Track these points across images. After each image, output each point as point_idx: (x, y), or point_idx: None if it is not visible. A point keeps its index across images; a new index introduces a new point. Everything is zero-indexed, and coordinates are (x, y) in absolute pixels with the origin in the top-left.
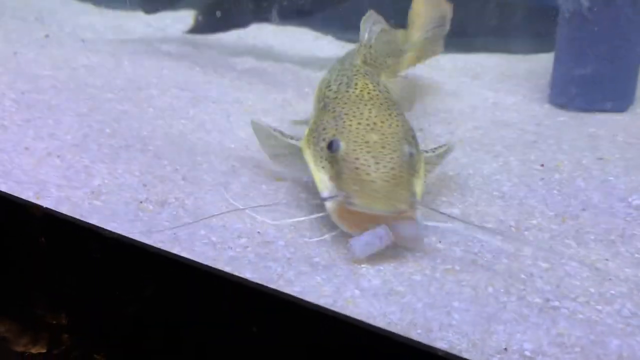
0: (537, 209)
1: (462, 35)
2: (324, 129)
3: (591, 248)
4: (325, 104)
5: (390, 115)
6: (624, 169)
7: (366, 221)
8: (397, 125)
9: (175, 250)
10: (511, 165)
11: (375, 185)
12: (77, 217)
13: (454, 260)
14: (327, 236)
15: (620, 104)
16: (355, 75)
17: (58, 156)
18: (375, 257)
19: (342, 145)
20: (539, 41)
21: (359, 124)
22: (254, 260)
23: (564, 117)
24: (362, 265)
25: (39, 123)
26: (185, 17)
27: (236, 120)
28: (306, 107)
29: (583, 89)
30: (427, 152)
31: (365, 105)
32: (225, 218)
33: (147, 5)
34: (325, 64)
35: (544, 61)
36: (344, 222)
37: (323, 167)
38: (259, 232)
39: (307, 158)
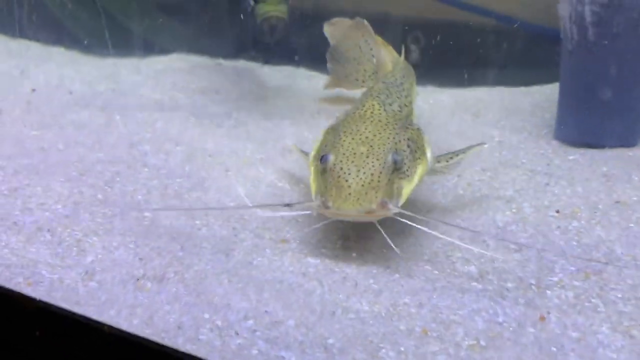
0: (557, 264)
1: (462, 68)
2: (325, 146)
3: (621, 310)
4: (334, 125)
5: (385, 129)
6: None
7: (347, 216)
8: (388, 137)
9: (179, 340)
10: (525, 213)
11: (350, 189)
12: (73, 305)
13: (477, 332)
14: None
15: (631, 138)
16: (367, 98)
17: (48, 230)
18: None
19: (331, 157)
20: (541, 72)
21: (353, 139)
22: (264, 349)
23: (574, 155)
24: (381, 345)
25: (27, 192)
26: (178, 61)
27: (235, 174)
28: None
29: (591, 123)
30: (438, 160)
31: (364, 122)
32: (230, 295)
33: None
34: (323, 108)
35: (547, 93)
36: (330, 215)
37: (317, 179)
38: (266, 311)
39: (310, 174)
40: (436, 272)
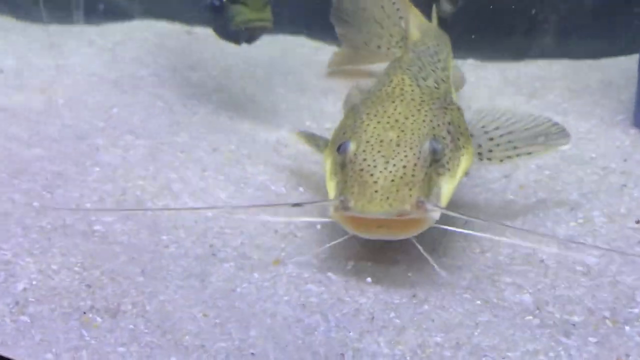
0: (638, 291)
1: (512, 36)
2: (343, 133)
3: None
4: (355, 106)
5: (420, 110)
6: None
7: (373, 224)
8: (424, 120)
9: None
10: (595, 224)
11: (377, 186)
12: None
13: None
14: None
15: None
16: (395, 72)
17: None
18: None
19: (352, 146)
20: (614, 41)
21: (379, 122)
22: None
23: None
24: None
25: None
26: (142, 29)
27: (214, 175)
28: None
29: None
30: (489, 155)
31: (393, 102)
32: (205, 333)
33: None
34: (330, 87)
35: (622, 68)
36: (349, 225)
37: (335, 174)
38: (253, 354)
39: (326, 170)
40: (478, 302)
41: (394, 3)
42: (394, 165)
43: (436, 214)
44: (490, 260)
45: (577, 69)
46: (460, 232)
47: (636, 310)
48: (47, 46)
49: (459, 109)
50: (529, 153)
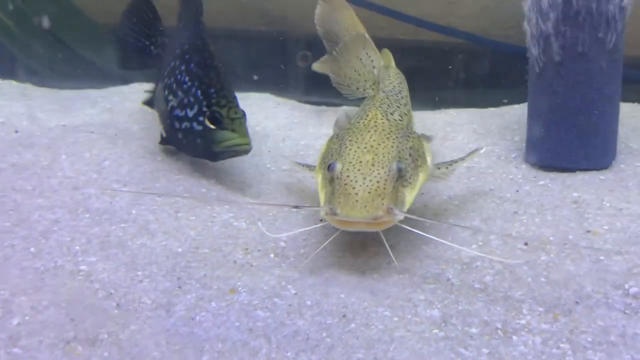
0: (524, 304)
1: (427, 90)
2: (331, 155)
3: (590, 357)
4: (338, 134)
5: (389, 137)
6: (615, 243)
7: (354, 224)
8: (392, 146)
9: None
10: (492, 246)
11: (358, 196)
12: None
13: None
14: None
15: (602, 160)
16: (370, 108)
17: None
18: None
19: (338, 166)
20: (510, 92)
21: (358, 147)
22: None
23: (544, 180)
24: None
25: None
26: (138, 90)
27: (186, 215)
28: (268, 189)
29: (560, 146)
30: (438, 167)
31: (369, 131)
32: (166, 358)
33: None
34: (288, 135)
35: (518, 114)
36: (337, 224)
37: (324, 187)
38: None
39: (317, 182)
40: (396, 318)
41: (369, 57)
42: (370, 180)
43: (400, 216)
44: (405, 281)
45: (482, 116)
46: (411, 231)
47: (522, 322)
48: (57, 109)
49: (419, 137)
50: (462, 160)
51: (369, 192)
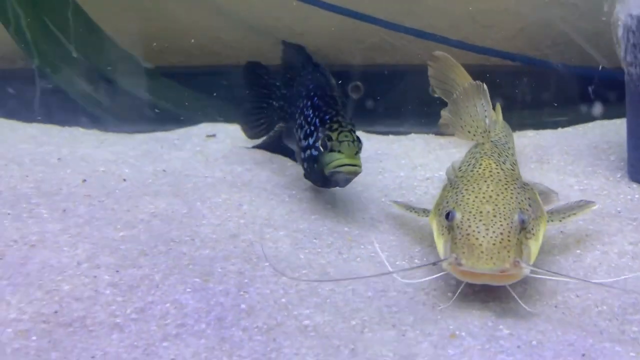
0: None
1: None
2: (446, 203)
3: None
4: (452, 182)
5: (507, 188)
6: None
7: (479, 278)
8: (511, 197)
9: None
10: None
11: (482, 247)
12: None
13: None
14: None
15: None
16: (482, 156)
17: None
18: None
19: (458, 215)
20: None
21: (476, 197)
22: None
23: None
24: None
25: (155, 311)
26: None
27: (348, 256)
28: (395, 224)
29: None
30: (552, 219)
31: (485, 181)
32: None
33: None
34: (383, 168)
35: (600, 134)
36: (462, 276)
37: (442, 234)
38: None
39: (432, 228)
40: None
41: (484, 107)
42: (494, 232)
43: (527, 270)
44: None
45: (565, 137)
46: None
47: None
48: (141, 154)
49: (532, 188)
50: (574, 214)
51: (494, 244)
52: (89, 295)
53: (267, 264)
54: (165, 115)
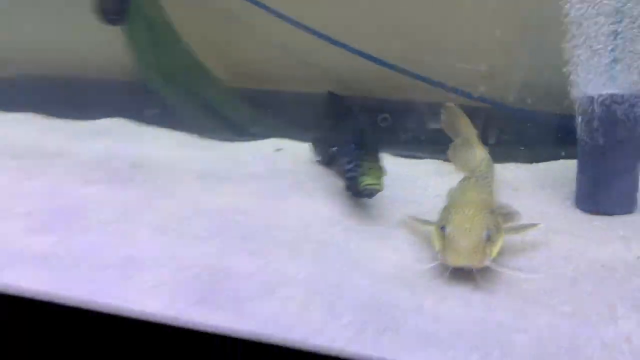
0: None
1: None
2: (442, 220)
3: None
4: (447, 205)
5: (480, 212)
6: None
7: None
8: (482, 219)
9: None
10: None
11: (461, 251)
12: None
13: None
14: None
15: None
16: (467, 189)
17: None
18: None
19: (448, 229)
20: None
21: (461, 218)
22: None
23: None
24: None
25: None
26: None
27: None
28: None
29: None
30: (507, 232)
31: (467, 206)
32: None
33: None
34: (421, 186)
35: (559, 169)
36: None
37: (438, 240)
38: None
39: (432, 235)
40: None
41: (474, 150)
42: (469, 241)
43: (488, 264)
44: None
45: (536, 170)
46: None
47: None
48: (226, 158)
49: (498, 214)
50: (517, 233)
51: (468, 249)
52: None
53: None
54: (241, 129)
